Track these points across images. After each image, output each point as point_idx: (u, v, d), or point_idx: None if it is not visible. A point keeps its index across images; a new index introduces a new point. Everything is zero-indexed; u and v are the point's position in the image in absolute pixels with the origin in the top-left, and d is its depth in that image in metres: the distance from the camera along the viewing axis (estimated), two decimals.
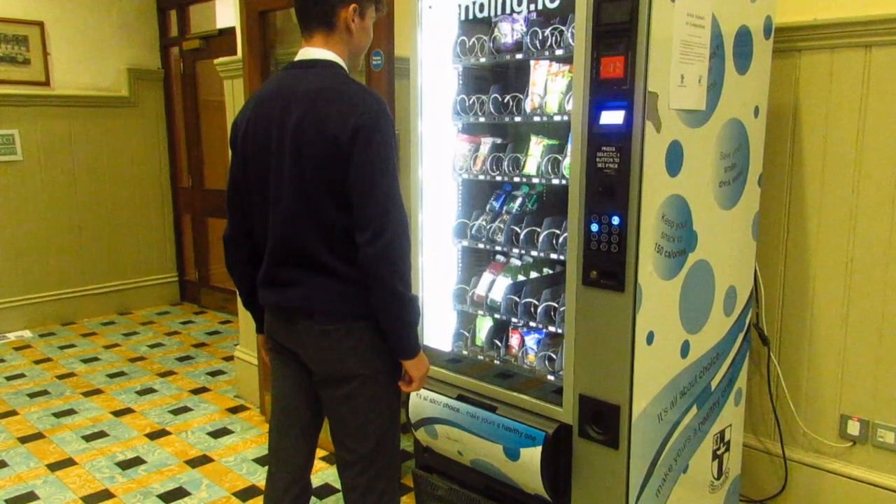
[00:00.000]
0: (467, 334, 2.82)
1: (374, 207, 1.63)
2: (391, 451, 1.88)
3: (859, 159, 2.48)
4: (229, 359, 4.81)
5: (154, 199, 6.26)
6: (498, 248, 2.61)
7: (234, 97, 3.93)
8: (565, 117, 2.25)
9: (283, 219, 1.71)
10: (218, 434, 3.73)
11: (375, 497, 1.85)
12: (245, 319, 4.13)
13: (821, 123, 2.54)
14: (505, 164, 2.56)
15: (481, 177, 2.63)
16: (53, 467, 3.38)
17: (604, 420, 2.22)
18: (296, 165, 1.66)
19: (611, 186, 2.07)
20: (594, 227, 2.14)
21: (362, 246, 1.64)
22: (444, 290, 2.81)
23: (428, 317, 2.76)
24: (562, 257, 2.36)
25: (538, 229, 2.49)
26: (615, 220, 2.09)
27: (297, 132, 1.66)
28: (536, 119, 2.35)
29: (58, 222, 5.73)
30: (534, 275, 2.77)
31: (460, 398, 2.63)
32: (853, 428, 2.61)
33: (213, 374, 4.64)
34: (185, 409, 4.06)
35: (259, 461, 3.48)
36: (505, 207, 2.73)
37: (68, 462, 3.43)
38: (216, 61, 4.04)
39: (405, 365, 1.83)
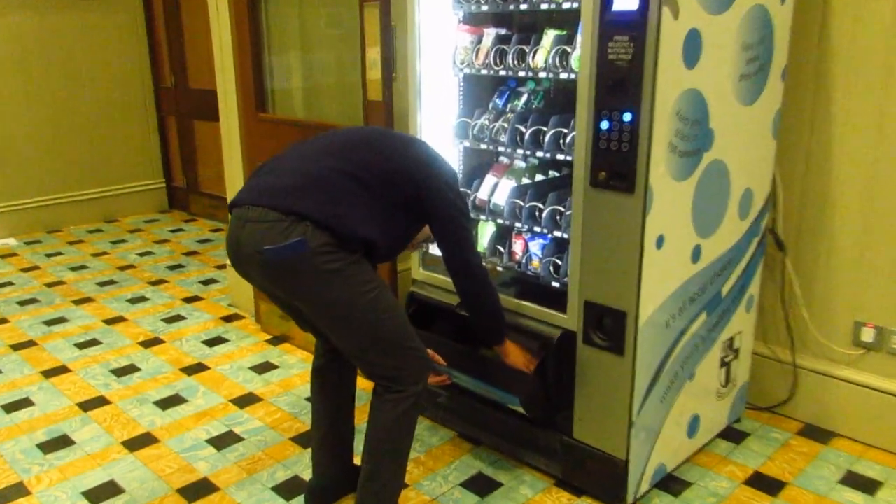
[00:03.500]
0: None
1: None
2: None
3: (890, 46, 2.42)
4: (222, 267, 4.84)
5: (136, 100, 6.14)
6: (501, 148, 2.59)
7: None
8: (575, 4, 2.21)
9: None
10: (213, 343, 3.78)
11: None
12: None
13: (851, 4, 2.47)
14: (510, 57, 2.50)
15: (484, 71, 2.59)
16: (48, 374, 3.39)
17: (609, 327, 2.25)
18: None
19: (623, 80, 2.04)
20: (604, 125, 2.12)
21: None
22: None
23: None
24: (569, 158, 2.34)
25: (544, 128, 2.46)
26: (627, 117, 2.07)
27: None
28: (544, 7, 2.31)
29: (35, 126, 5.65)
30: (539, 177, 2.75)
31: (460, 306, 2.65)
32: (867, 335, 2.65)
33: (206, 282, 4.66)
34: (179, 318, 4.10)
35: (256, 369, 3.48)
36: (509, 105, 2.70)
37: (62, 369, 3.49)
38: None
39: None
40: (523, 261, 2.64)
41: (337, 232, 1.87)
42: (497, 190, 2.70)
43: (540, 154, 2.49)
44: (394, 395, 2.04)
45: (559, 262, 2.50)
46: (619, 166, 2.12)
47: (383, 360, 2.02)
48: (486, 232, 2.80)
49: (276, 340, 3.80)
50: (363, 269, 1.95)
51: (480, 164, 2.85)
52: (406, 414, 2.04)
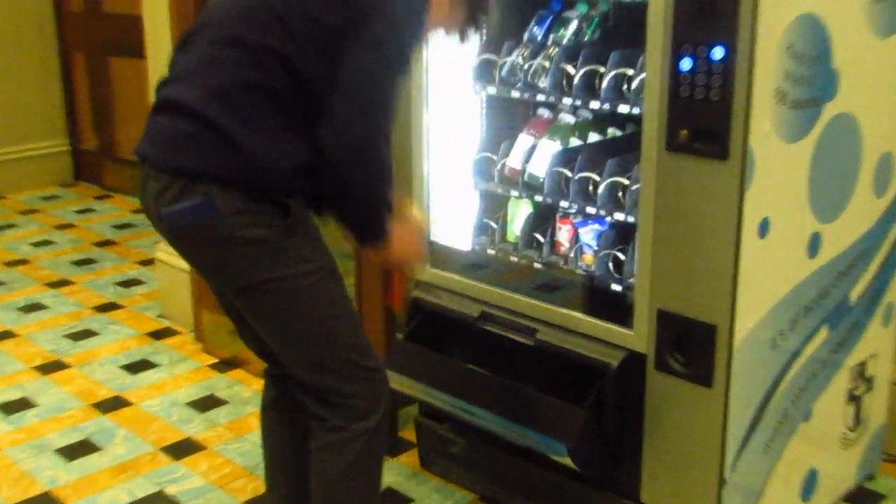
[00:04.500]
0: (495, 226, 2.86)
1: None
2: None
3: None
4: (148, 263, 4.85)
5: (28, 29, 6.16)
6: (541, 97, 2.61)
7: None
8: None
9: None
10: (136, 368, 3.82)
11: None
12: None
13: None
14: None
15: None
16: None
17: (692, 346, 2.27)
18: None
19: (712, 1, 2.06)
20: (685, 64, 2.14)
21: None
22: (460, 160, 2.85)
23: (436, 201, 2.83)
24: (636, 110, 2.36)
25: (601, 68, 2.48)
26: (717, 53, 2.09)
27: None
28: None
29: None
30: (593, 137, 2.77)
31: (484, 317, 2.66)
32: None
33: (126, 284, 4.70)
34: (89, 334, 4.13)
35: (196, 405, 3.52)
36: (552, 36, 2.71)
37: None
38: None
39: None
40: (571, 254, 2.66)
41: (253, 185, 1.97)
42: (535, 155, 2.71)
43: (595, 105, 2.50)
44: (333, 434, 2.09)
45: (621, 256, 2.51)
46: (706, 122, 2.13)
47: (320, 377, 2.10)
48: (518, 214, 2.83)
49: (224, 365, 3.83)
50: (303, 241, 2.05)
51: (511, 120, 2.87)
52: (358, 463, 2.09)
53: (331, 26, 1.94)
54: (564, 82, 2.57)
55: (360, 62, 1.92)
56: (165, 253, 4.26)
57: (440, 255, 2.83)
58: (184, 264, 3.97)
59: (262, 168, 1.97)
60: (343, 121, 1.93)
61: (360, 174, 1.97)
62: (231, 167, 1.96)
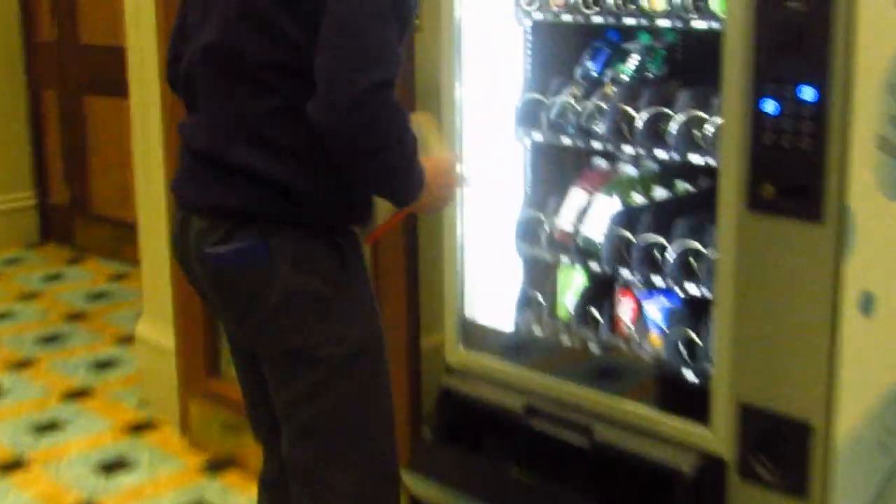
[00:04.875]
0: (542, 300, 2.88)
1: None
2: None
3: None
4: (126, 340, 4.85)
5: None
6: (597, 144, 2.65)
7: None
8: None
9: None
10: (111, 468, 3.77)
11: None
12: (153, 268, 4.19)
13: None
14: None
15: (567, 17, 2.66)
16: None
17: (783, 449, 2.26)
18: None
19: (800, 32, 2.09)
20: (769, 107, 2.17)
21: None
22: (500, 220, 2.87)
23: (470, 270, 2.85)
24: (711, 161, 2.39)
25: (668, 111, 2.52)
26: (807, 94, 2.11)
27: None
28: None
29: None
30: (660, 193, 2.81)
31: (529, 411, 2.67)
32: None
33: (100, 365, 4.69)
34: (55, 426, 4.09)
35: None
36: (609, 72, 2.77)
37: None
38: None
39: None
40: (634, 334, 2.68)
41: (304, 222, 2.09)
42: (589, 214, 2.74)
43: (661, 154, 2.54)
44: None
45: (696, 337, 2.52)
46: (795, 176, 2.15)
47: (324, 468, 2.17)
48: (570, 284, 2.86)
49: (216, 466, 3.79)
50: (357, 299, 2.17)
51: (561, 172, 2.91)
52: None
53: None
54: (625, 127, 2.60)
55: (337, 7, 1.95)
56: (147, 327, 4.31)
57: (476, 335, 2.85)
58: (169, 342, 4.04)
59: (308, 199, 2.08)
60: (330, 84, 1.95)
61: (372, 141, 1.99)
62: (280, 205, 2.07)
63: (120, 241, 5.96)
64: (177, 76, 2.27)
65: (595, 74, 2.79)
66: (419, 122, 2.24)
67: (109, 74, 5.27)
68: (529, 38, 2.88)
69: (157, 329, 4.22)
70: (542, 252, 2.80)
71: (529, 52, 2.89)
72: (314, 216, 2.10)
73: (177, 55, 2.28)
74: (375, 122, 1.95)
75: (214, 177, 2.12)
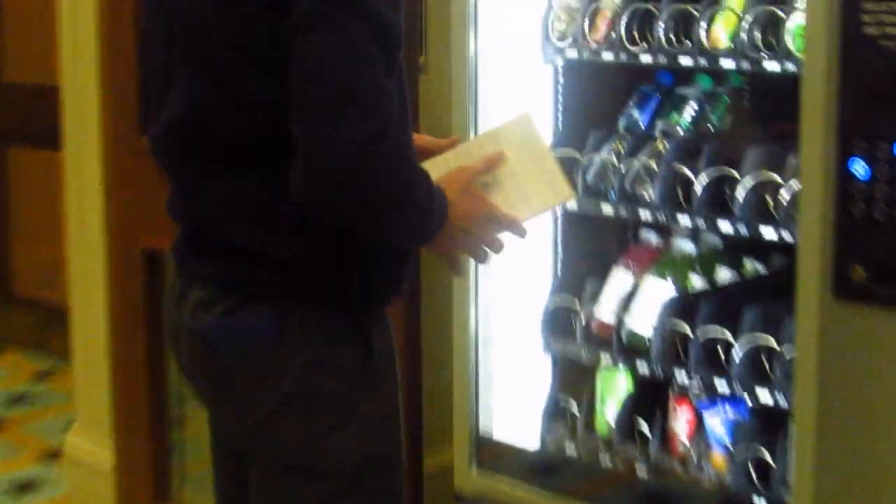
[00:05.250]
0: (575, 410, 2.87)
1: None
2: None
3: None
4: (53, 456, 4.81)
5: None
6: (645, 214, 2.68)
7: None
8: None
9: None
10: None
11: None
12: (87, 365, 4.16)
13: None
14: (660, 27, 2.62)
15: (608, 55, 2.69)
16: None
17: None
18: None
19: (894, 76, 2.09)
20: (859, 169, 2.17)
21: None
22: (523, 308, 2.87)
23: (487, 372, 2.85)
24: (787, 236, 2.41)
25: (733, 173, 2.53)
26: None
27: None
28: None
29: None
30: (724, 276, 2.82)
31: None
32: None
33: (21, 487, 4.59)
34: None
35: None
36: (660, 123, 2.79)
37: None
38: None
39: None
40: (692, 453, 2.65)
41: (323, 298, 2.08)
42: (636, 302, 2.76)
43: (726, 227, 2.55)
44: None
45: (769, 457, 2.50)
46: (891, 255, 2.16)
47: None
48: (612, 391, 2.84)
49: None
50: (379, 405, 2.17)
51: (601, 248, 2.94)
52: None
53: (256, 40, 2.00)
54: (680, 192, 2.63)
55: (304, 50, 1.93)
56: (80, 440, 4.25)
57: (493, 454, 2.85)
58: (106, 459, 3.99)
59: (321, 275, 2.08)
60: (310, 147, 1.93)
61: (374, 210, 1.99)
62: (290, 283, 2.08)
63: (47, 329, 5.91)
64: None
65: (643, 126, 2.81)
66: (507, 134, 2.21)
67: (38, 120, 5.28)
68: (561, 80, 2.93)
69: (91, 442, 4.17)
70: (577, 349, 2.81)
71: (561, 98, 2.93)
72: (331, 294, 2.10)
73: (148, 117, 2.30)
74: (374, 185, 1.94)
75: (214, 251, 2.14)
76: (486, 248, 2.15)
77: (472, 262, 2.57)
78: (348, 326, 2.10)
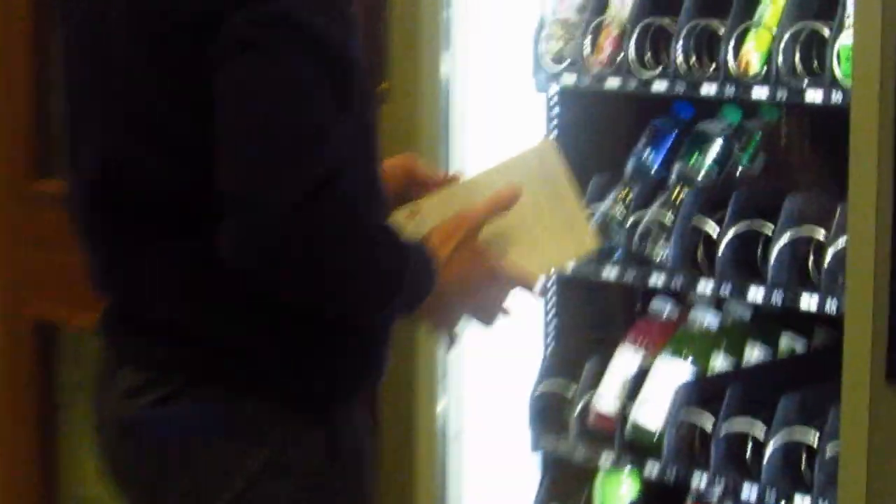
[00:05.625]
0: None
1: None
2: None
3: None
4: None
5: None
6: (657, 277, 2.68)
7: None
8: None
9: None
10: None
11: None
12: None
13: None
14: (678, 47, 2.63)
15: (613, 80, 2.71)
16: None
17: None
18: None
19: None
20: None
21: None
22: (505, 396, 2.84)
23: (460, 469, 2.83)
24: (830, 306, 2.42)
25: (767, 227, 2.53)
26: None
27: None
28: None
29: None
30: (754, 354, 2.81)
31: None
32: None
33: None
34: None
35: None
36: (677, 166, 2.78)
37: None
38: None
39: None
40: None
41: (278, 386, 2.04)
42: (646, 388, 2.74)
43: (755, 294, 2.55)
44: None
45: None
46: None
47: None
48: (614, 496, 2.83)
49: None
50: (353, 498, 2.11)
51: (601, 321, 2.97)
52: None
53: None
54: (701, 252, 2.62)
55: (230, 84, 1.90)
56: None
57: None
58: None
59: (276, 361, 2.03)
60: (239, 204, 1.90)
61: (324, 277, 1.94)
62: (237, 369, 2.04)
63: None
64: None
65: (655, 170, 2.79)
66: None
67: None
68: (556, 111, 2.91)
69: None
70: (571, 446, 2.78)
71: (556, 134, 2.90)
72: (288, 380, 2.05)
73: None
74: (317, 250, 1.90)
75: (148, 328, 2.11)
76: (491, 314, 2.13)
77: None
78: (310, 419, 2.05)
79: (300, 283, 1.93)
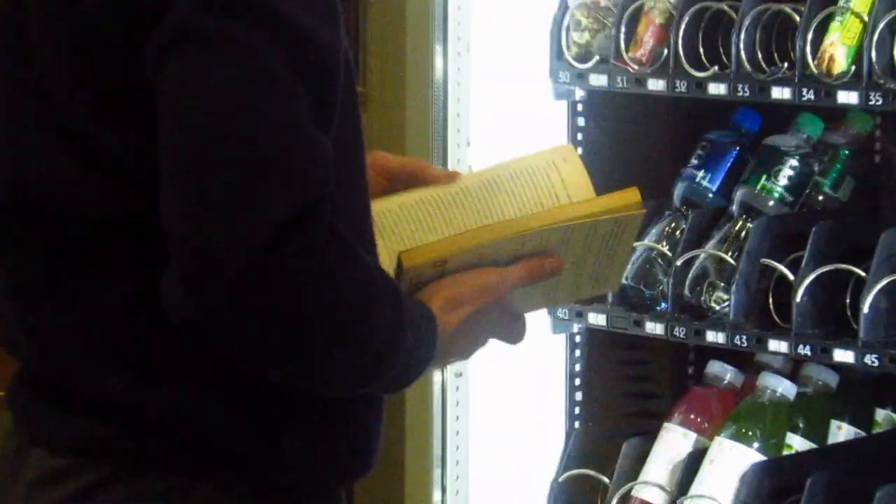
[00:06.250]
0: None
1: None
2: None
3: None
4: None
5: None
6: (715, 334, 2.58)
7: None
8: None
9: None
10: None
11: None
12: None
13: None
14: (741, 39, 2.52)
15: (656, 82, 2.64)
16: None
17: None
18: None
19: None
20: None
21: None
22: (519, 483, 2.83)
23: None
24: None
25: (857, 271, 2.45)
26: None
27: None
28: None
29: None
30: (843, 432, 2.68)
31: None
32: None
33: None
34: None
35: None
36: (741, 192, 2.67)
37: None
38: None
39: None
40: None
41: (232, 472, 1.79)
42: (701, 477, 2.63)
43: (845, 356, 2.44)
44: None
45: None
46: None
47: None
48: None
49: None
50: None
51: (641, 387, 2.90)
52: None
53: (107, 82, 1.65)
54: (772, 301, 2.49)
55: (177, 91, 1.60)
56: None
57: None
58: None
59: (243, 438, 1.77)
60: (189, 248, 1.62)
61: (300, 346, 1.64)
62: (193, 450, 1.78)
63: None
64: None
65: (712, 196, 2.64)
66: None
67: None
68: (581, 121, 2.80)
69: None
70: None
71: (581, 148, 2.76)
72: (249, 470, 1.79)
73: None
74: (295, 306, 1.61)
75: (68, 401, 1.83)
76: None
77: (434, 412, 2.48)
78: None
79: (262, 353, 1.65)
